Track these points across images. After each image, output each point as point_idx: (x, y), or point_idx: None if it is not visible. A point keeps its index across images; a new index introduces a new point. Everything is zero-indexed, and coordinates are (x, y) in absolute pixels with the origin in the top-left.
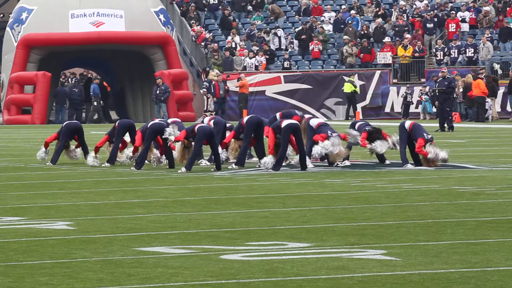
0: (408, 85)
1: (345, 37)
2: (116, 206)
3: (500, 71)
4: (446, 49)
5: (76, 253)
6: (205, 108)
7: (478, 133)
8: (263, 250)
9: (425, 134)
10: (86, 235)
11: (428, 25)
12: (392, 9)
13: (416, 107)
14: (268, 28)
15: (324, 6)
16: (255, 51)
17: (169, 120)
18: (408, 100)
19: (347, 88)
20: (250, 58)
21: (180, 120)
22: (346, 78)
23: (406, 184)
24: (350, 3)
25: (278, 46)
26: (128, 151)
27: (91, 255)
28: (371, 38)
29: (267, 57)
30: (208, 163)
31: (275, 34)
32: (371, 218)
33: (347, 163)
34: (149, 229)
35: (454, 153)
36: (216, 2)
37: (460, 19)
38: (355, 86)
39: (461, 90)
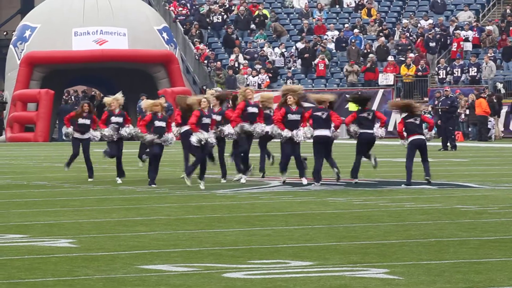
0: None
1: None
2: (119, 224)
3: (503, 90)
4: (449, 68)
5: (78, 271)
6: None
7: (480, 152)
8: (265, 269)
9: None
10: (88, 252)
11: (431, 44)
12: (395, 28)
13: None
14: (271, 47)
15: (327, 24)
16: (258, 69)
17: None
18: None
19: (353, 107)
20: (253, 77)
21: None
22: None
23: (409, 203)
24: (353, 22)
25: (282, 65)
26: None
27: (94, 272)
28: (374, 57)
29: (270, 75)
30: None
31: (282, 54)
32: (374, 237)
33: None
34: (152, 247)
35: (457, 172)
36: (220, 20)
37: (463, 38)
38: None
39: (464, 109)
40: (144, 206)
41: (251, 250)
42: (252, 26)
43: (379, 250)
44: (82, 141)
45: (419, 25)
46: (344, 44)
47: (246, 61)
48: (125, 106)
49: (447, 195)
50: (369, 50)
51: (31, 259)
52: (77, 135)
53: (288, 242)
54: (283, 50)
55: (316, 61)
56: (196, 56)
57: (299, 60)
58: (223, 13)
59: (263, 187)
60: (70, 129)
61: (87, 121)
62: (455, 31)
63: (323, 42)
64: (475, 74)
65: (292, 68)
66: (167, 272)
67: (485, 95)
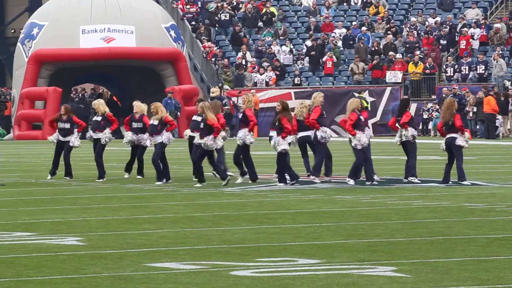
0: (425, 101)
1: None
2: (126, 221)
3: (511, 88)
4: (456, 66)
5: (86, 269)
6: None
7: (488, 150)
8: (273, 266)
9: None
10: (96, 250)
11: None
12: (403, 26)
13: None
14: (278, 44)
15: (335, 22)
16: (265, 67)
17: None
18: (425, 117)
19: (364, 103)
20: (261, 74)
21: None
22: (356, 95)
23: (416, 201)
24: (361, 19)
25: (290, 62)
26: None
27: (101, 270)
28: (382, 55)
29: (277, 73)
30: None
31: (291, 51)
32: (381, 235)
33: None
34: (159, 245)
35: (464, 170)
36: (227, 18)
37: (470, 36)
38: (367, 102)
39: (472, 106)
40: (151, 204)
41: (259, 248)
42: (260, 24)
43: (387, 248)
44: (63, 144)
45: (427, 23)
46: (351, 42)
47: (254, 59)
48: (131, 104)
49: (455, 193)
50: (376, 48)
51: (39, 257)
52: (61, 138)
53: (296, 240)
54: (291, 47)
55: (324, 59)
56: (204, 54)
57: (307, 58)
58: (230, 11)
59: (270, 185)
60: (55, 134)
61: (67, 125)
62: (462, 29)
63: (332, 40)
64: (483, 72)
65: (300, 66)
66: (175, 270)
67: (493, 93)
